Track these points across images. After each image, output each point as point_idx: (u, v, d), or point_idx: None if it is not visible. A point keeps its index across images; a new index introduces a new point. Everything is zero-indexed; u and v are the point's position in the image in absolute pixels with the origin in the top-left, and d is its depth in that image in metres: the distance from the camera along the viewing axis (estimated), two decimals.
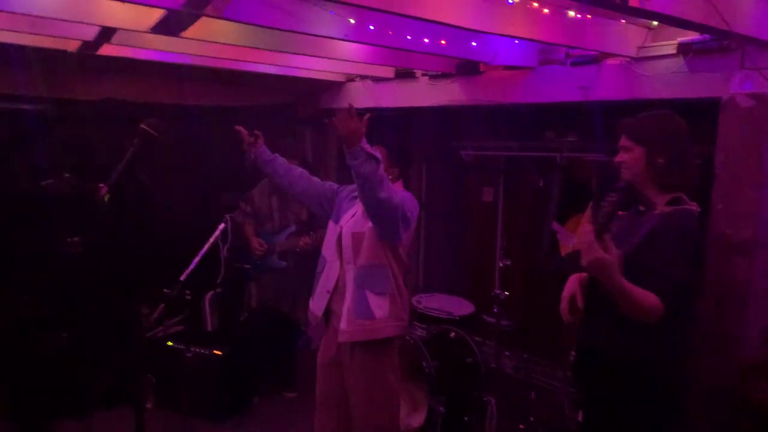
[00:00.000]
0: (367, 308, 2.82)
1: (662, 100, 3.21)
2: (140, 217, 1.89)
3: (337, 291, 2.95)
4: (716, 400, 2.95)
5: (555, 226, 3.28)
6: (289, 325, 4.55)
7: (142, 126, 1.73)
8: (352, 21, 3.14)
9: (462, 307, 4.53)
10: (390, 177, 2.93)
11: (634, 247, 2.17)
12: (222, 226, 2.84)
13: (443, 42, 3.49)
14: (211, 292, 4.80)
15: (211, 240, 2.79)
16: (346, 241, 2.91)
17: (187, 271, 2.69)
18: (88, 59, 3.94)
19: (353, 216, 2.98)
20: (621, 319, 2.08)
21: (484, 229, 5.54)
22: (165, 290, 2.66)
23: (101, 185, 1.65)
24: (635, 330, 2.10)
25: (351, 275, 2.88)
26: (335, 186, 3.25)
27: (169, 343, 4.21)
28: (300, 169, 3.25)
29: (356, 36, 3.24)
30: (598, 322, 2.28)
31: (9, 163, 3.98)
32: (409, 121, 5.56)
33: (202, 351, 4.12)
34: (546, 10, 2.88)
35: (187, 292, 2.75)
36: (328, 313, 3.00)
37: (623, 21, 3.20)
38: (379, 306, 2.84)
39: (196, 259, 2.73)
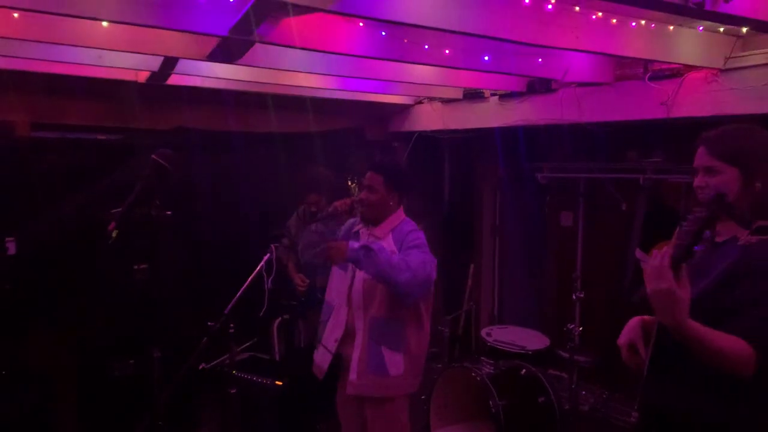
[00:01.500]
0: (381, 364, 2.70)
1: (753, 115, 2.87)
2: (154, 251, 1.81)
3: (346, 337, 2.82)
4: None
5: (638, 253, 2.97)
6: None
7: (154, 157, 1.66)
8: (426, 47, 3.05)
9: (536, 340, 4.23)
10: (390, 203, 2.83)
11: (711, 286, 1.78)
12: (267, 256, 2.76)
13: (509, 60, 3.31)
14: (279, 318, 4.75)
15: (255, 271, 2.72)
16: (358, 287, 2.77)
17: (231, 304, 2.62)
18: (159, 90, 4.04)
19: None
20: (700, 375, 1.72)
21: (562, 256, 5.22)
22: (209, 323, 2.60)
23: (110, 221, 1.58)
24: (718, 388, 1.73)
25: (362, 324, 2.74)
26: (346, 227, 3.11)
27: (233, 372, 4.17)
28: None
29: (421, 58, 3.13)
30: (668, 378, 1.87)
31: (82, 191, 4.12)
32: (480, 143, 5.37)
33: (263, 381, 4.06)
34: (614, 20, 2.64)
35: (231, 325, 2.67)
36: (338, 357, 2.88)
37: (701, 28, 2.90)
38: (395, 363, 2.72)
39: (240, 292, 2.66)
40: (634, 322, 2.05)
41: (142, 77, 3.95)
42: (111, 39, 2.97)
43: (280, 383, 4.09)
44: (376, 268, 2.49)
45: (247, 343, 4.61)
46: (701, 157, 1.87)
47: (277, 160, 4.83)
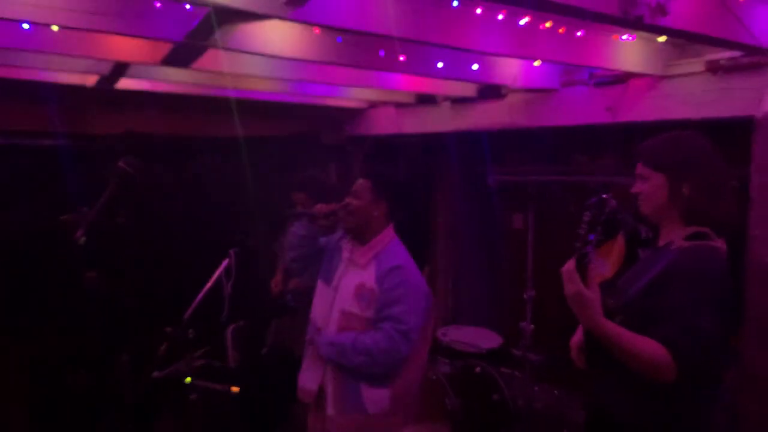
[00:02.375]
0: (358, 401, 2.42)
1: (692, 120, 3.03)
2: (119, 258, 1.81)
3: (326, 367, 2.56)
4: None
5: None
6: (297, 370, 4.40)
7: (120, 164, 1.66)
8: (382, 53, 3.08)
9: (490, 339, 4.34)
10: (375, 213, 2.58)
11: (642, 289, 1.83)
12: (226, 261, 2.74)
13: (463, 67, 3.39)
14: (233, 325, 4.71)
15: (214, 277, 2.70)
16: (335, 317, 2.53)
17: (190, 310, 2.61)
18: (108, 94, 3.97)
19: (344, 285, 2.58)
20: (628, 375, 1.73)
21: (515, 257, 5.34)
22: (167, 329, 2.58)
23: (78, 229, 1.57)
24: (644, 390, 1.75)
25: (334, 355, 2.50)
26: (323, 242, 2.85)
27: (188, 380, 4.13)
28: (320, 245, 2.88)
29: (378, 64, 3.18)
30: (603, 376, 1.94)
31: (29, 197, 4.01)
32: (432, 147, 5.46)
33: (218, 388, 4.02)
34: (561, 30, 2.75)
35: (190, 330, 2.65)
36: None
37: (646, 39, 3.05)
38: (375, 400, 2.42)
39: (199, 297, 2.65)
40: None
41: (91, 81, 3.88)
42: (61, 43, 2.91)
43: (236, 389, 4.07)
44: (349, 367, 2.41)
45: (201, 350, 4.56)
46: (637, 165, 1.96)
47: (232, 165, 4.81)
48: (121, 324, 3.59)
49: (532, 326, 3.85)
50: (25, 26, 2.66)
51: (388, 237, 2.62)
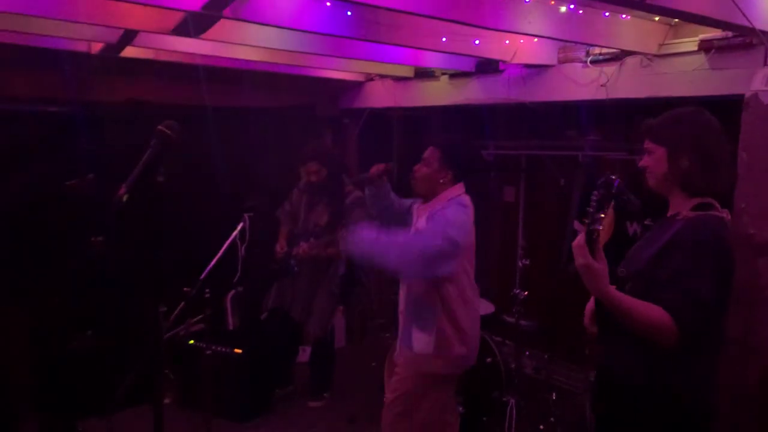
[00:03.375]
0: (408, 340, 2.78)
1: (684, 98, 3.16)
2: (158, 217, 1.91)
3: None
4: (740, 411, 2.88)
5: (576, 225, 3.23)
6: (297, 335, 4.55)
7: (159, 128, 1.76)
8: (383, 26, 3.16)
9: (483, 307, 4.49)
10: (441, 180, 2.79)
11: (650, 258, 1.94)
12: (240, 225, 2.86)
13: (462, 41, 3.48)
14: (233, 291, 4.82)
15: (230, 239, 2.82)
16: None
17: (207, 270, 2.72)
18: (110, 61, 4.00)
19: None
20: (635, 339, 1.85)
21: (505, 228, 5.50)
22: (185, 289, 2.69)
23: (121, 187, 1.67)
24: (649, 352, 1.86)
25: (403, 296, 2.83)
26: (409, 203, 3.09)
27: (191, 342, 4.24)
28: (396, 200, 3.10)
29: (375, 35, 3.25)
30: (612, 341, 2.06)
31: (33, 164, 4.05)
32: (429, 121, 5.56)
33: (222, 350, 4.15)
34: (563, 9, 2.85)
35: (207, 290, 2.77)
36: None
37: (642, 18, 3.16)
38: (421, 340, 2.73)
39: (215, 259, 2.76)
40: None
41: (95, 49, 3.91)
42: (72, 10, 2.96)
43: (239, 351, 4.19)
44: (359, 253, 2.57)
45: (200, 316, 4.68)
46: (645, 142, 2.07)
47: (230, 135, 4.87)
48: (129, 286, 3.69)
49: (525, 293, 3.99)
50: None
51: (455, 193, 2.82)
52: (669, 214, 2.05)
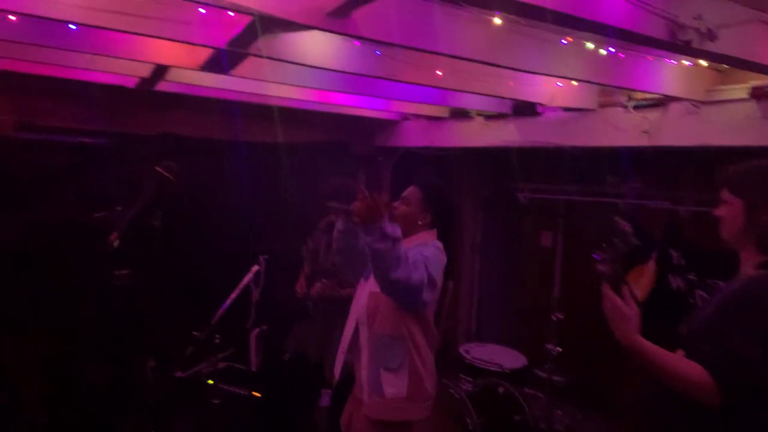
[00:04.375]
0: (378, 385, 2.54)
1: (733, 147, 2.98)
2: (150, 261, 1.82)
3: (355, 353, 2.68)
4: None
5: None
6: (315, 376, 4.38)
7: (157, 169, 1.68)
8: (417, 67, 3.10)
9: (514, 359, 4.29)
10: (420, 223, 2.68)
11: (705, 318, 1.86)
12: (255, 268, 2.76)
13: (496, 83, 3.38)
14: (257, 329, 4.73)
15: (243, 283, 2.72)
16: (362, 302, 2.64)
17: (218, 314, 2.63)
18: (147, 95, 4.03)
19: None
20: (682, 403, 1.76)
21: (541, 276, 5.30)
22: (194, 333, 2.60)
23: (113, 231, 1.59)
24: (693, 414, 1.78)
25: (365, 341, 2.61)
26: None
27: (210, 382, 4.15)
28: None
29: (406, 75, 3.18)
30: (660, 402, 1.95)
31: (65, 193, 4.09)
32: (463, 161, 5.45)
33: (241, 392, 4.05)
34: (603, 51, 2.72)
35: (217, 336, 2.67)
36: (351, 375, 2.72)
37: (687, 63, 3.00)
38: (392, 384, 2.53)
39: (227, 302, 2.67)
40: None
41: (131, 83, 3.94)
42: (106, 45, 2.97)
43: (258, 395, 4.08)
44: (385, 250, 2.32)
45: (225, 353, 4.59)
46: (721, 190, 1.97)
47: (262, 170, 4.85)
48: (147, 323, 3.63)
49: (559, 349, 3.79)
50: (71, 27, 2.71)
51: (431, 239, 2.67)
52: (740, 271, 1.93)
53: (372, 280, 2.59)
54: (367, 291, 2.64)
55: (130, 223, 1.58)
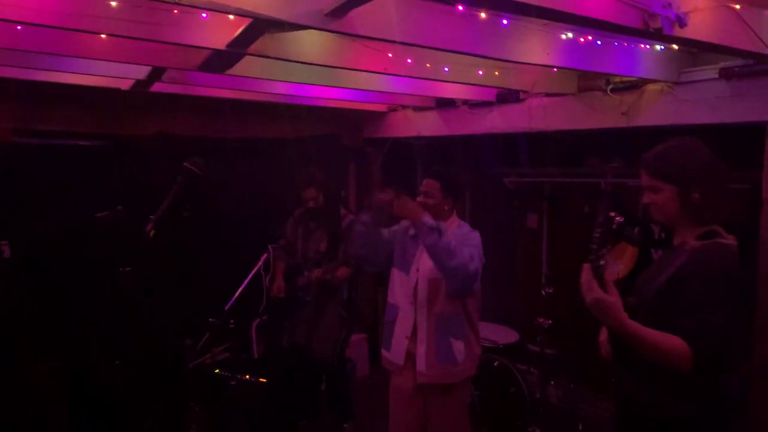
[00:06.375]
0: (450, 354, 2.91)
1: (706, 125, 3.16)
2: (184, 250, 1.96)
3: (413, 336, 2.99)
4: None
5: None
6: (318, 365, 4.49)
7: (186, 164, 1.82)
8: (409, 60, 3.24)
9: (506, 335, 4.48)
10: (446, 208, 3.01)
11: (657, 288, 1.96)
12: (264, 256, 2.91)
13: (481, 72, 3.53)
14: (258, 319, 4.85)
15: (254, 270, 2.87)
16: (423, 286, 2.94)
17: (232, 301, 2.77)
18: (140, 96, 4.13)
19: (423, 262, 2.96)
20: (651, 369, 1.87)
21: (529, 255, 5.48)
22: (210, 319, 2.74)
23: (148, 222, 1.73)
24: (666, 381, 1.90)
25: (424, 320, 2.93)
26: (391, 231, 3.19)
27: (216, 371, 4.28)
28: (384, 236, 3.17)
29: (395, 69, 3.31)
30: (629, 371, 2.06)
31: (65, 196, 4.17)
32: (452, 149, 5.60)
33: (248, 379, 4.18)
34: (582, 39, 2.89)
35: (231, 321, 2.82)
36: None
37: (660, 47, 3.18)
38: (460, 351, 2.94)
39: (240, 289, 2.81)
40: None
41: (126, 85, 4.03)
42: (103, 49, 3.06)
43: (264, 381, 4.22)
44: (432, 243, 2.67)
45: (225, 345, 4.72)
46: (644, 178, 2.07)
47: (257, 166, 4.96)
48: (156, 317, 3.74)
49: (549, 321, 3.97)
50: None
51: (456, 221, 3.07)
52: (676, 243, 2.06)
53: (422, 269, 2.95)
54: (424, 278, 2.94)
55: (164, 213, 1.72)
